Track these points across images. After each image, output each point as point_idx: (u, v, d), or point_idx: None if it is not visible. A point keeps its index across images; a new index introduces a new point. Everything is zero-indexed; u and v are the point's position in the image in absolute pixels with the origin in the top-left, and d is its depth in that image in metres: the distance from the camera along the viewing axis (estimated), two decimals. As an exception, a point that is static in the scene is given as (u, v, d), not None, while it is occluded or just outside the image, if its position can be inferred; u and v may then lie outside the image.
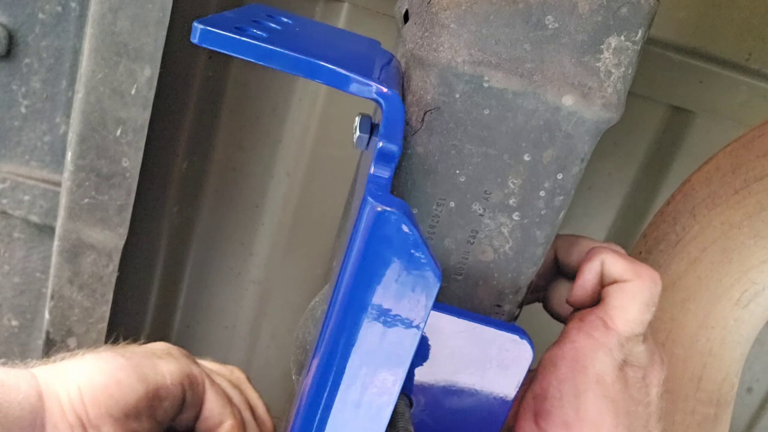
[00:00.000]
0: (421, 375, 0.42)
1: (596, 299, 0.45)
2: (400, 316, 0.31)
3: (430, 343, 0.41)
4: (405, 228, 0.29)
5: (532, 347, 0.42)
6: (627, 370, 0.43)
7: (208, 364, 0.55)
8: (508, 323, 0.44)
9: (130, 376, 0.45)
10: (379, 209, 0.29)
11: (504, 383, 0.42)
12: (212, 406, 0.50)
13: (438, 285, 0.30)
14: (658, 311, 0.56)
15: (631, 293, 0.43)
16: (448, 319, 0.41)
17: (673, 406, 0.56)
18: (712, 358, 0.56)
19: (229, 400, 0.51)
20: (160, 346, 0.50)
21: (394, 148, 0.34)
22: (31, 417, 0.41)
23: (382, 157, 0.34)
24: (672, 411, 0.56)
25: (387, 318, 0.31)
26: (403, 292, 0.30)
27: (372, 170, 0.34)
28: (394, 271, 0.30)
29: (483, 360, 0.42)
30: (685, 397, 0.56)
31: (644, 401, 0.43)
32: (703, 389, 0.56)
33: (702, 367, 0.56)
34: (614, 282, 0.44)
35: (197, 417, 0.50)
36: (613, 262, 0.44)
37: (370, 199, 0.30)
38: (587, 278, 0.45)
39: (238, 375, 0.56)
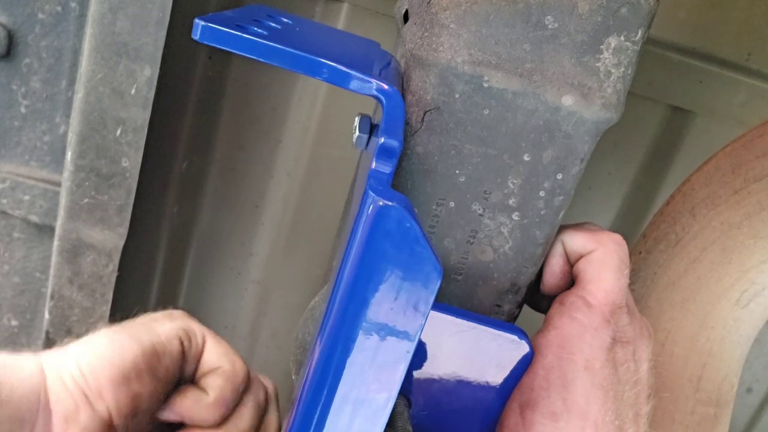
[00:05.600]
0: (420, 375, 0.42)
1: (570, 281, 0.45)
2: (401, 312, 0.30)
3: (428, 343, 0.41)
4: (406, 222, 0.29)
5: (531, 347, 0.42)
6: (617, 349, 0.42)
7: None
8: (507, 323, 0.44)
9: (122, 338, 0.45)
10: (380, 203, 0.29)
11: (502, 383, 0.42)
12: (210, 354, 0.49)
13: (439, 280, 0.30)
14: (658, 311, 0.56)
15: (600, 261, 0.42)
16: (447, 318, 0.41)
17: (673, 406, 0.56)
18: (711, 358, 0.56)
19: (233, 353, 0.50)
20: (159, 313, 0.51)
21: (395, 143, 0.34)
22: (35, 393, 0.42)
23: (384, 152, 0.34)
24: (672, 411, 0.56)
25: (388, 314, 0.31)
26: (404, 288, 0.30)
27: (373, 165, 0.34)
28: (395, 265, 0.30)
29: (482, 360, 0.42)
30: (685, 397, 0.56)
31: (632, 380, 0.42)
32: (702, 389, 0.56)
33: (702, 367, 0.56)
34: (580, 257, 0.43)
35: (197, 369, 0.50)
36: (572, 238, 0.44)
37: (371, 193, 0.30)
38: (552, 262, 0.45)
39: (269, 382, 0.56)
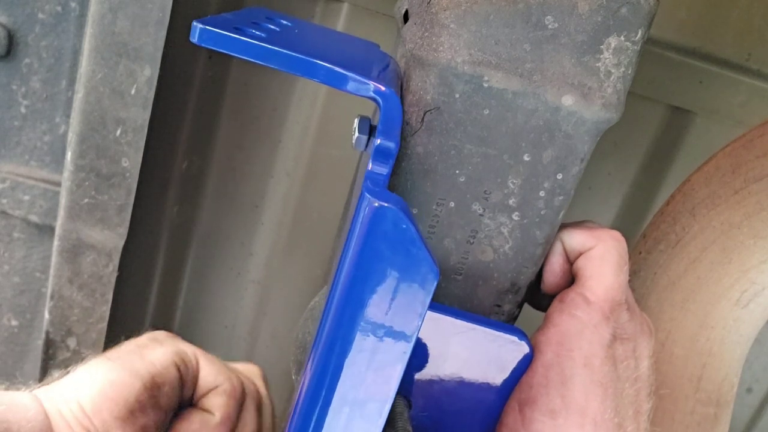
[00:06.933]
0: (420, 376, 0.42)
1: (570, 279, 0.45)
2: (397, 312, 0.31)
3: (428, 344, 0.41)
4: (402, 224, 0.29)
5: (531, 348, 0.42)
6: (617, 346, 0.41)
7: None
8: (507, 324, 0.44)
9: (121, 375, 0.45)
10: (376, 204, 0.29)
11: (502, 384, 0.42)
12: (206, 374, 0.50)
13: (436, 281, 0.30)
14: (658, 311, 0.56)
15: (599, 258, 0.42)
16: (446, 320, 0.41)
17: (673, 405, 0.56)
18: (711, 358, 0.56)
19: (226, 368, 0.51)
20: (143, 337, 0.51)
21: (391, 145, 0.34)
22: None
23: (380, 153, 0.34)
24: (672, 411, 0.56)
25: (385, 315, 0.31)
26: (400, 289, 0.30)
27: (370, 167, 0.34)
28: (391, 267, 0.30)
29: (481, 361, 0.42)
30: (684, 397, 0.56)
31: (633, 377, 0.42)
32: (702, 389, 0.56)
33: (702, 367, 0.56)
34: (579, 255, 0.43)
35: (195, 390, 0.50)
36: (571, 236, 0.44)
37: (367, 195, 0.30)
38: (552, 260, 0.45)
39: (252, 368, 0.56)
